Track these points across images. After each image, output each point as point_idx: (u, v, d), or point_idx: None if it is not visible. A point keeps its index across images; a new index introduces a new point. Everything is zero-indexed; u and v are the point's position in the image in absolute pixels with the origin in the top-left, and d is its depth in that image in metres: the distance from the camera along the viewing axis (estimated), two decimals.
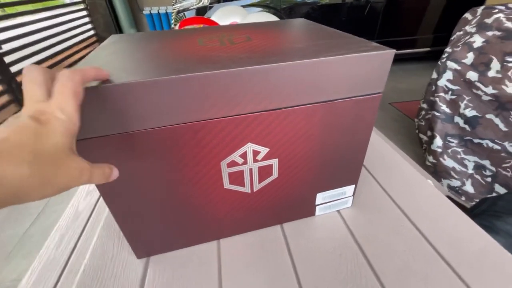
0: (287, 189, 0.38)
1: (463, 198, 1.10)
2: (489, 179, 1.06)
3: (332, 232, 0.41)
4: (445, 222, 0.42)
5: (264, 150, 0.33)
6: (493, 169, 1.04)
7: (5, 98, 1.84)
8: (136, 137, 0.27)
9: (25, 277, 0.37)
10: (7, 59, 1.86)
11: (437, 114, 1.18)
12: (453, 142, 1.15)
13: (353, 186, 0.42)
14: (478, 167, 1.09)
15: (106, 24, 3.21)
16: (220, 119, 0.28)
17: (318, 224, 0.42)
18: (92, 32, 3.11)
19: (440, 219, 0.42)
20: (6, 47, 1.86)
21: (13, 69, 1.90)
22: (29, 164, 0.15)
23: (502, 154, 1.01)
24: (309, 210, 0.42)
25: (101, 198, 0.46)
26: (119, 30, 3.25)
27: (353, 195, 0.43)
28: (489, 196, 0.64)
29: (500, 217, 0.55)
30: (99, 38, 3.22)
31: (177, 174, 0.31)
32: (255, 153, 0.32)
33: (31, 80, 0.18)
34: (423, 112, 1.31)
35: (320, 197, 0.41)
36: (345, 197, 0.43)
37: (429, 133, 1.24)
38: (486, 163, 1.06)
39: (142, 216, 0.34)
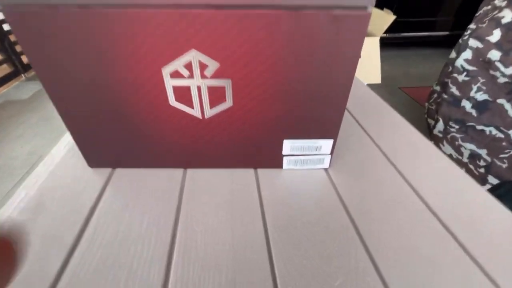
0: (245, 124, 0.33)
1: None
2: (482, 170, 1.01)
3: (314, 185, 0.36)
4: (458, 196, 0.35)
5: (213, 64, 0.28)
6: (489, 159, 0.98)
7: None
8: (65, 16, 0.24)
9: None
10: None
11: (445, 96, 1.11)
12: (453, 128, 1.08)
13: (331, 141, 0.35)
14: (473, 156, 1.03)
15: None
16: (157, 11, 0.24)
17: (297, 177, 0.37)
18: None
19: (452, 192, 0.35)
20: None
21: (6, 27, 1.78)
22: None
23: (503, 143, 0.94)
24: (275, 159, 0.37)
25: None
26: None
27: (331, 154, 0.36)
28: (507, 180, 0.56)
29: None
30: None
31: (117, 74, 0.28)
32: (202, 66, 0.28)
33: None
34: (435, 95, 1.22)
35: (287, 146, 0.35)
36: (320, 154, 0.36)
37: (436, 117, 1.18)
38: (483, 152, 1.00)
39: (91, 123, 0.32)
